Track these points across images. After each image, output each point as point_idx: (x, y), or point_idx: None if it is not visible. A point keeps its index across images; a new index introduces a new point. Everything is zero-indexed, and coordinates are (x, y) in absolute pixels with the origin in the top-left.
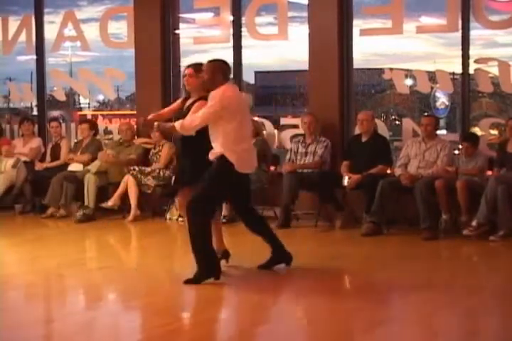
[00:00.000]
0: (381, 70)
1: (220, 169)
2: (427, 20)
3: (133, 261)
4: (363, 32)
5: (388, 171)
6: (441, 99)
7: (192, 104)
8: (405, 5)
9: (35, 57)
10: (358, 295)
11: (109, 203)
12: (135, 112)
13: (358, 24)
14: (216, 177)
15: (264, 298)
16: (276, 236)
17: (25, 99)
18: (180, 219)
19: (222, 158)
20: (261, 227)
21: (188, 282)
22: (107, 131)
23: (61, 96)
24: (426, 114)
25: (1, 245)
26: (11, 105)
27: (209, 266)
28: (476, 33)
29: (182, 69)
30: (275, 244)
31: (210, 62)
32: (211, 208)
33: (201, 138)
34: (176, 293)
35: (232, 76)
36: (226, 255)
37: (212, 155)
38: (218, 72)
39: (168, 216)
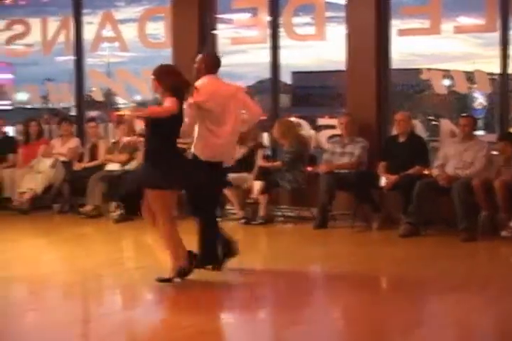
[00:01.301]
0: (419, 70)
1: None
2: (465, 20)
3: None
4: (401, 32)
5: (425, 172)
6: (479, 100)
7: None
8: (443, 5)
9: (73, 57)
10: (395, 296)
11: None
12: None
13: (395, 24)
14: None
15: (300, 298)
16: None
17: (64, 99)
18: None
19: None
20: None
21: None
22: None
23: (99, 97)
24: (464, 114)
25: (40, 244)
26: (50, 105)
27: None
28: None
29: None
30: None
31: (201, 53)
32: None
33: (158, 140)
34: (210, 293)
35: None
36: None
37: None
38: (202, 62)
39: None
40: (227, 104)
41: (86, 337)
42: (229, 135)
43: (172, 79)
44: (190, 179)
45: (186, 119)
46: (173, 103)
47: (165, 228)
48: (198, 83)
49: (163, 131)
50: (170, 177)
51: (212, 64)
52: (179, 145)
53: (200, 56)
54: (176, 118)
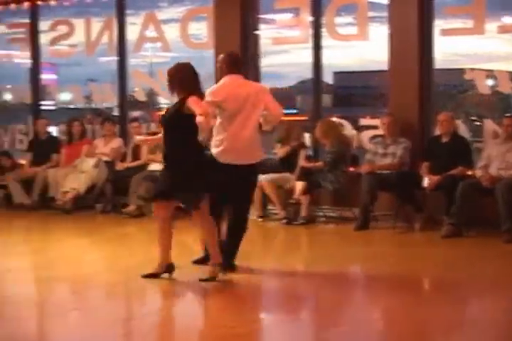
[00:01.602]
0: (462, 70)
1: None
2: (509, 19)
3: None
4: (444, 32)
5: (469, 172)
6: None
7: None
8: (487, 5)
9: (116, 58)
10: (437, 297)
11: None
12: None
13: (438, 24)
14: None
15: (341, 299)
16: None
17: (107, 99)
18: (259, 219)
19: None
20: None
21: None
22: None
23: (141, 97)
24: (507, 114)
25: (82, 244)
26: (93, 106)
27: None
28: None
29: (262, 70)
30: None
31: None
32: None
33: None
34: (254, 293)
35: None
36: (171, 268)
37: None
38: (223, 62)
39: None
40: (243, 104)
41: (128, 336)
42: (234, 133)
43: (180, 79)
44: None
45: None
46: (200, 103)
47: (210, 226)
48: (218, 83)
49: (189, 132)
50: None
51: (233, 63)
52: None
53: (221, 56)
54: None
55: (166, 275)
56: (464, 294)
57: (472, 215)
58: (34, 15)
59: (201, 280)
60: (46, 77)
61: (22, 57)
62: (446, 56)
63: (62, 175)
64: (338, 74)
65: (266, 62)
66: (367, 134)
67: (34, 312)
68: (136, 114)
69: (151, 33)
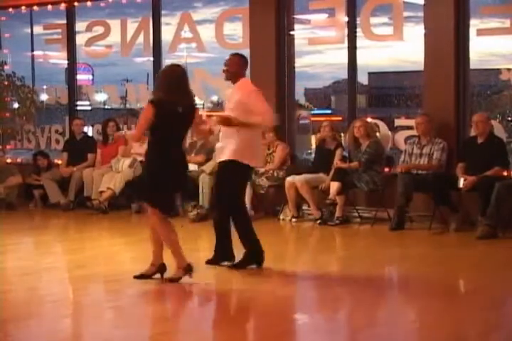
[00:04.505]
0: (498, 71)
1: None
2: None
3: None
4: (480, 32)
5: (505, 173)
6: None
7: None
8: None
9: (152, 58)
10: (472, 298)
11: None
12: None
13: (474, 24)
14: None
15: (377, 300)
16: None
17: (142, 99)
18: (294, 220)
19: None
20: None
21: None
22: None
23: None
24: None
25: (118, 244)
26: (128, 106)
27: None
28: None
29: (297, 70)
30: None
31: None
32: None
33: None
34: (289, 294)
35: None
36: (163, 269)
37: None
38: (244, 65)
39: (281, 216)
40: None
41: (165, 335)
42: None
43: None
44: None
45: None
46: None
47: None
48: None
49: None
50: None
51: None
52: None
53: (235, 57)
54: None
55: (158, 275)
56: (499, 296)
57: (508, 216)
58: (70, 16)
59: (166, 279)
60: (82, 77)
61: (58, 58)
62: (481, 56)
63: (98, 175)
64: (373, 75)
65: (301, 63)
66: (402, 135)
67: (70, 310)
68: None
69: (186, 33)
